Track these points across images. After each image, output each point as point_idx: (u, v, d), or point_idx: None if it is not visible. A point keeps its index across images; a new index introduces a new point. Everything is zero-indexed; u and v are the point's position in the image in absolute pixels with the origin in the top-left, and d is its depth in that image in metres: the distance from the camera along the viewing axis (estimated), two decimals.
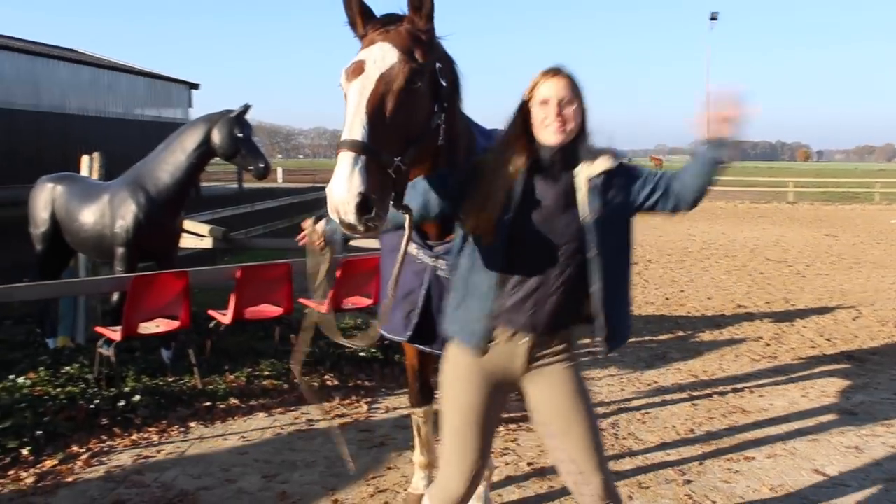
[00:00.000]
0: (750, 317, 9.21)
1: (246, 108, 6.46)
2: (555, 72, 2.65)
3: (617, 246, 2.72)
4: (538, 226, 2.65)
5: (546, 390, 2.78)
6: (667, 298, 10.36)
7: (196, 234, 8.32)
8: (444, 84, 2.80)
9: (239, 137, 6.36)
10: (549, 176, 2.68)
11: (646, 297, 10.31)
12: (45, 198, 6.94)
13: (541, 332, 2.72)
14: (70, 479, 4.47)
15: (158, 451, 4.90)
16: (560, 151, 2.64)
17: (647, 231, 17.96)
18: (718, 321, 8.95)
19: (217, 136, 6.35)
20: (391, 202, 2.63)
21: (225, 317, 6.38)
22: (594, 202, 2.64)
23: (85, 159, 7.68)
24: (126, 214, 6.34)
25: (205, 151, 6.42)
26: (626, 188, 2.72)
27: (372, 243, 5.76)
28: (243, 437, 5.16)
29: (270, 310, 6.57)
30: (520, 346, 2.74)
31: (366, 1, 2.81)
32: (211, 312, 6.62)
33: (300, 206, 17.86)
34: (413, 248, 3.34)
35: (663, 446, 5.06)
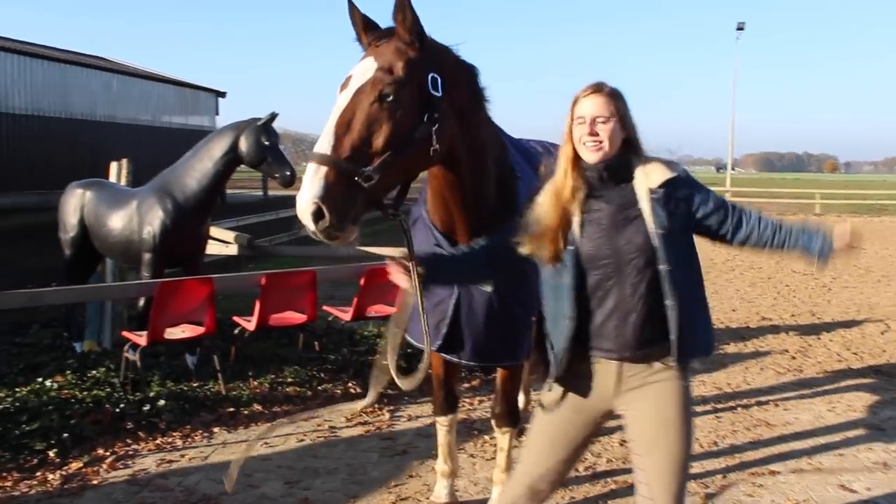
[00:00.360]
0: (775, 329, 9.12)
1: (273, 116, 6.51)
2: (594, 88, 2.59)
3: (685, 258, 2.62)
4: (601, 245, 2.57)
5: (638, 411, 2.68)
6: None
7: (221, 241, 8.38)
8: (438, 94, 2.80)
9: (266, 145, 6.41)
10: (603, 193, 2.61)
11: None
12: (75, 203, 7.03)
13: (629, 353, 2.61)
14: (95, 482, 4.52)
15: (182, 456, 4.95)
16: (605, 169, 2.58)
17: None
18: (743, 333, 8.88)
19: (244, 144, 6.40)
20: (386, 211, 2.78)
21: (249, 323, 6.43)
22: (660, 215, 2.55)
23: (113, 166, 7.76)
24: (153, 221, 6.41)
25: (232, 159, 6.47)
26: (688, 200, 2.64)
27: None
28: (266, 443, 5.18)
29: (295, 317, 6.60)
30: (609, 372, 2.67)
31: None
32: (236, 319, 6.67)
33: None
34: None
35: None
